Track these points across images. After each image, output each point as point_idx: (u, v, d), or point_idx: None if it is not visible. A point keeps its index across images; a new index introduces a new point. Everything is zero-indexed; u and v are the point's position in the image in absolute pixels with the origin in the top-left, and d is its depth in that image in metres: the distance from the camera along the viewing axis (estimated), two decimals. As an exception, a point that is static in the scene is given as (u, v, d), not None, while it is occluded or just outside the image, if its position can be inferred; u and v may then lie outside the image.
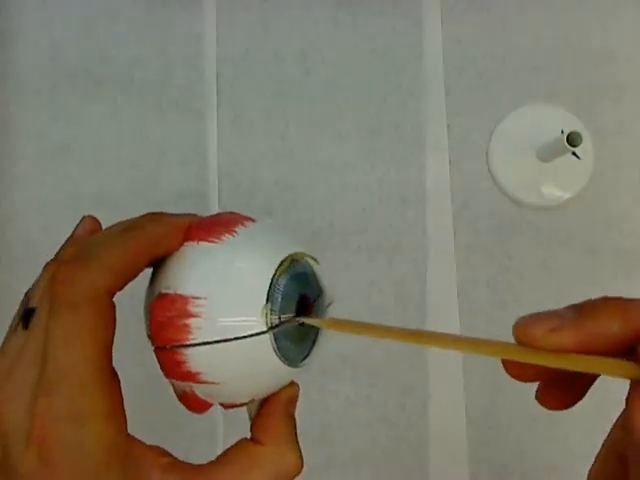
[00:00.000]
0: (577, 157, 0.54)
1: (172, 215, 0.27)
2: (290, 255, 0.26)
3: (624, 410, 0.20)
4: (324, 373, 0.54)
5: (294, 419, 0.27)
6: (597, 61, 0.59)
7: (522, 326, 0.20)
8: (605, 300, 0.20)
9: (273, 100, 0.58)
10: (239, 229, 0.26)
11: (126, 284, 0.24)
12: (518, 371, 0.21)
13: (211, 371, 0.25)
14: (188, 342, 0.24)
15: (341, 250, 0.56)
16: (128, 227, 0.25)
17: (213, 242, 0.25)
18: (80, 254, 0.24)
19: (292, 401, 0.27)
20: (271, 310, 0.25)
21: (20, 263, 0.55)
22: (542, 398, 0.23)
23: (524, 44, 0.59)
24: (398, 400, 0.54)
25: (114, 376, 0.24)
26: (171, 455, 0.24)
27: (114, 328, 0.24)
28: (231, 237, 0.26)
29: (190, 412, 0.27)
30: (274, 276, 0.25)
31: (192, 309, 0.24)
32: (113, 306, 0.23)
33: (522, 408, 0.53)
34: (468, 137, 0.58)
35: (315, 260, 0.28)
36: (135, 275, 0.25)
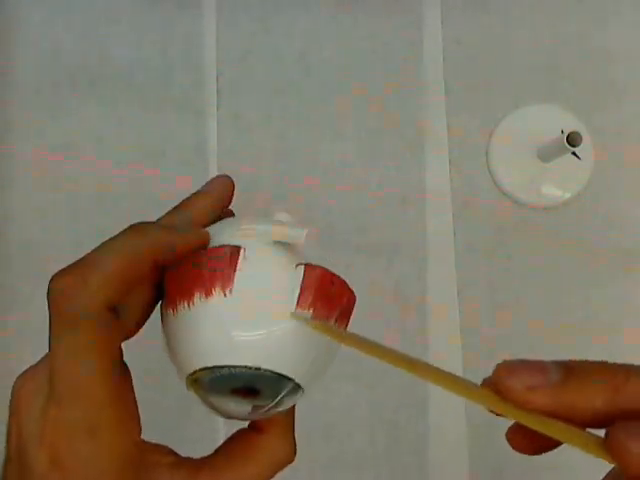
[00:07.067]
0: (577, 157, 0.54)
1: (182, 229, 0.26)
2: (204, 369, 0.23)
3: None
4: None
5: (293, 408, 0.27)
6: (597, 61, 0.59)
7: (502, 374, 0.18)
8: (600, 367, 0.19)
9: (273, 100, 0.58)
10: (191, 303, 0.23)
11: (129, 294, 0.23)
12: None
13: None
14: None
15: (341, 250, 0.56)
16: (130, 231, 0.24)
17: (175, 308, 0.24)
18: (79, 262, 0.23)
19: None
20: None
21: (20, 263, 0.55)
22: (511, 437, 0.22)
23: (524, 44, 0.59)
24: (398, 400, 0.54)
25: (124, 384, 0.23)
26: (175, 453, 0.25)
27: (120, 338, 0.24)
28: (183, 310, 0.23)
29: None
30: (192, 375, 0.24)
31: None
32: (115, 318, 0.23)
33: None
34: (468, 137, 0.58)
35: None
36: (138, 284, 0.24)
